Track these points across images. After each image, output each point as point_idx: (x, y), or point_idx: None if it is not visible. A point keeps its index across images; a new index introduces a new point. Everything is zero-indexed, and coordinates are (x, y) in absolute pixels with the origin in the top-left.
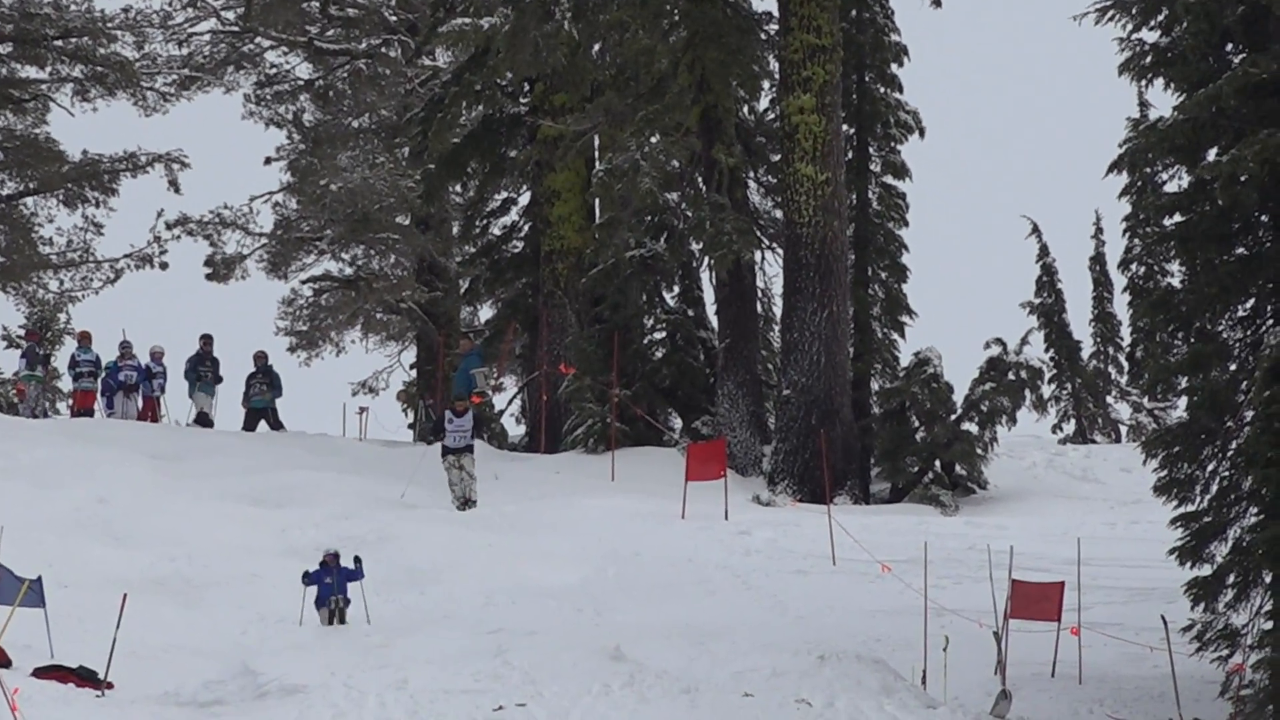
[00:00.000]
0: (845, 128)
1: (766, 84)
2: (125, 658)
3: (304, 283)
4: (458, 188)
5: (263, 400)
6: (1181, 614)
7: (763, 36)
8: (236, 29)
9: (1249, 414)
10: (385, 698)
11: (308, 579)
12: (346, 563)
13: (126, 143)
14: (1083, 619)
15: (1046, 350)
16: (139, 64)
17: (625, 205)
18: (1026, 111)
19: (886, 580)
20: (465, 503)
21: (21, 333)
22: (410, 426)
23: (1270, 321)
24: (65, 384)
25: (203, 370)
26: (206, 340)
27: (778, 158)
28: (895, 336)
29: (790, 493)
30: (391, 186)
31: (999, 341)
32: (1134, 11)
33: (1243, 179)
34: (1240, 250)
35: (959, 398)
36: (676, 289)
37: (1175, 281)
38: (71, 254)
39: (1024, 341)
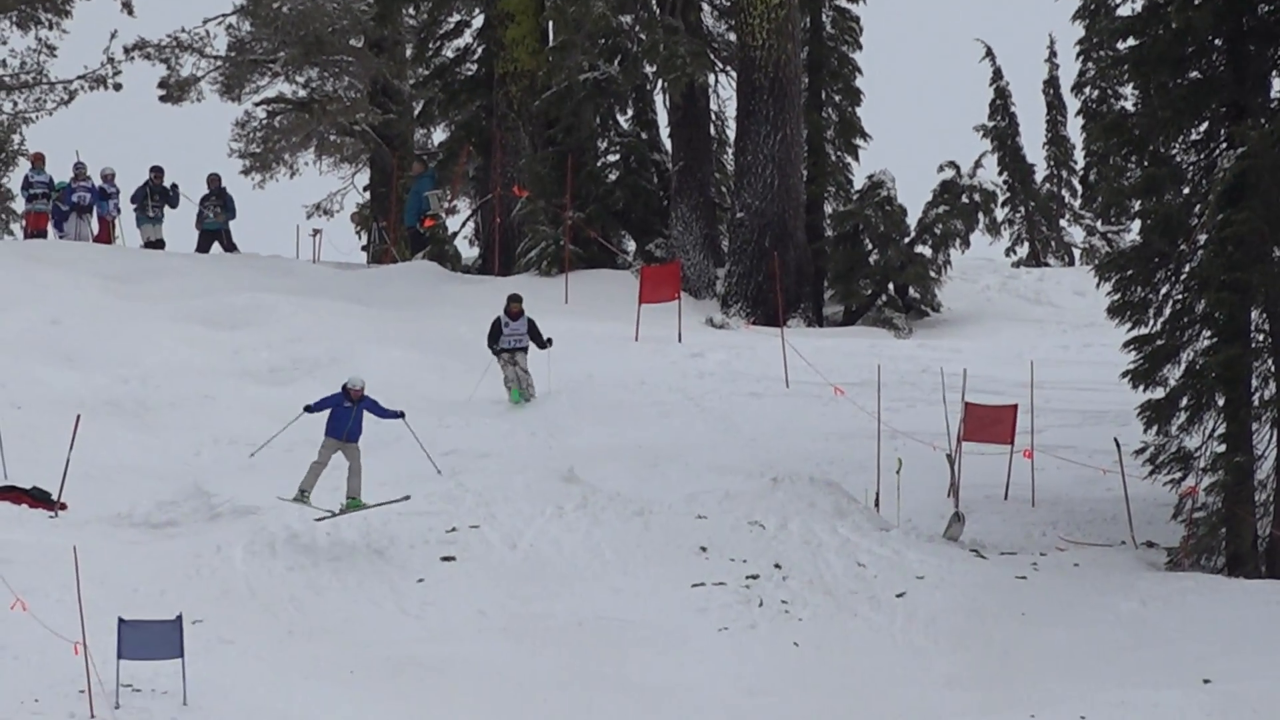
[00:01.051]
0: None
1: None
2: (78, 479)
3: (257, 105)
4: (411, 10)
5: (216, 223)
6: (1134, 437)
7: None
8: None
9: (1202, 237)
10: (339, 520)
11: (316, 406)
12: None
13: None
14: (1036, 442)
15: (1000, 173)
16: None
17: (579, 28)
18: None
19: (840, 403)
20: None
21: None
22: (364, 249)
23: (1224, 145)
24: (19, 206)
25: (151, 204)
26: (156, 172)
27: None
28: (849, 159)
29: (743, 315)
30: (344, 8)
31: (952, 165)
32: None
33: (1197, 2)
34: (1194, 74)
35: (912, 221)
36: (630, 112)
37: (1129, 105)
38: (25, 75)
39: (978, 164)
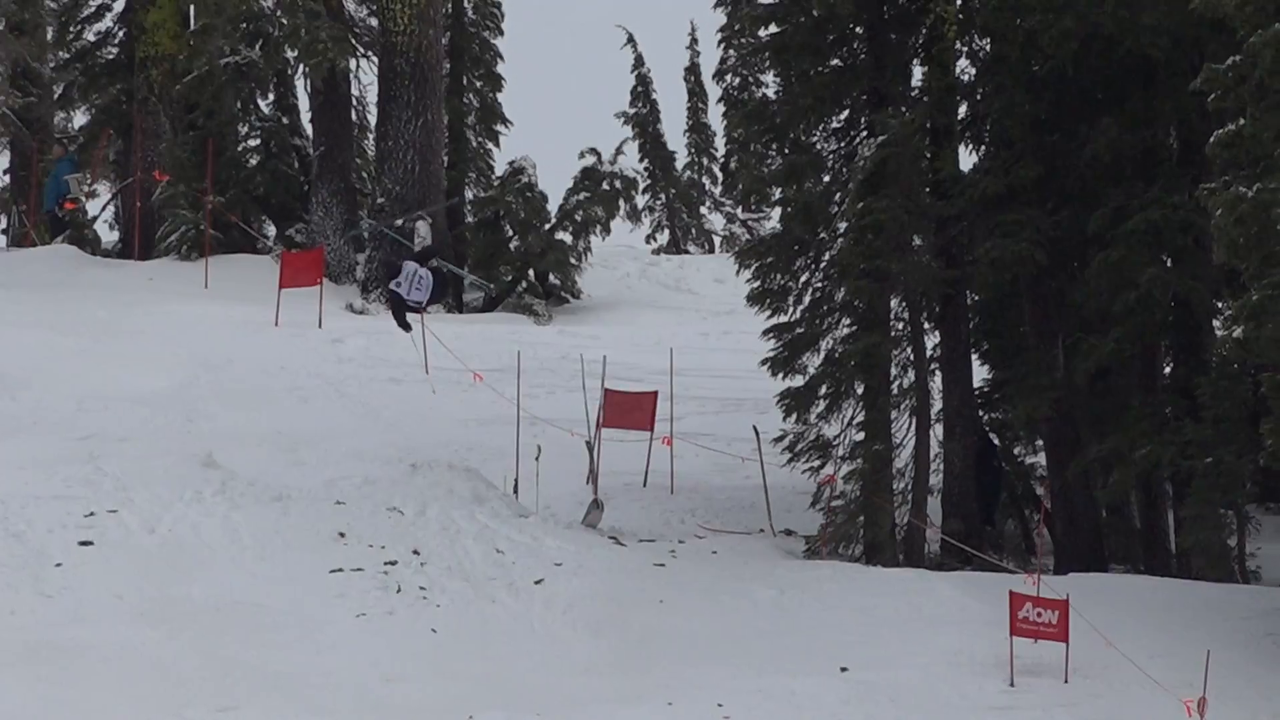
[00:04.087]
0: None
1: None
2: None
3: None
4: None
5: None
6: (773, 425)
7: None
8: None
9: (842, 225)
10: None
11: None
12: None
13: None
14: (675, 429)
15: (641, 160)
16: None
17: (220, 12)
18: None
19: (479, 389)
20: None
21: None
22: (3, 232)
23: (864, 133)
24: None
25: None
26: None
27: None
28: (490, 145)
29: (383, 301)
30: None
31: (593, 151)
32: None
33: None
34: (835, 61)
35: (553, 207)
36: (272, 97)
37: (770, 92)
38: None
39: (618, 151)
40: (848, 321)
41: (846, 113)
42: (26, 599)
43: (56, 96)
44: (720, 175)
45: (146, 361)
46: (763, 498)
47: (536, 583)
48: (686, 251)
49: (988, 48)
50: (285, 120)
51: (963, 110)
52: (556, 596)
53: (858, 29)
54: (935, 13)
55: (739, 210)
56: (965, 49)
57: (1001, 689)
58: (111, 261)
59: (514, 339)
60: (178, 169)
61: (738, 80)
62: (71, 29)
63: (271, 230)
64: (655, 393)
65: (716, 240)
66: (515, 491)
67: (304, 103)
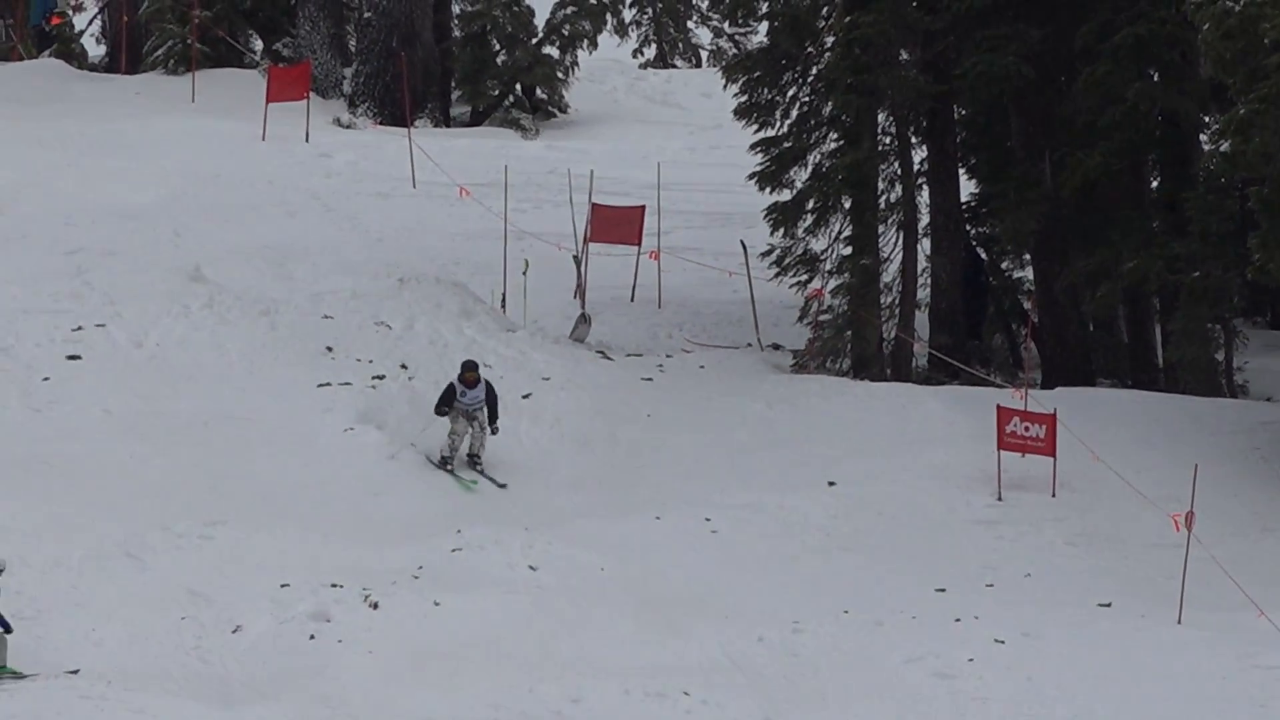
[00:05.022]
0: None
1: None
2: None
3: None
4: None
5: None
6: (761, 239)
7: None
8: None
9: (829, 39)
10: None
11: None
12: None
13: None
14: (662, 244)
15: None
16: None
17: None
18: None
19: (466, 203)
20: (473, 459)
21: None
22: None
23: None
24: None
25: None
26: None
27: None
28: None
29: (371, 115)
30: None
31: None
32: None
33: None
34: None
35: (540, 21)
36: None
37: None
38: None
39: None
40: (835, 136)
41: None
42: (15, 414)
43: None
44: None
45: (134, 176)
46: (750, 312)
47: (524, 397)
48: (674, 66)
49: None
50: None
51: None
52: (544, 411)
53: None
54: None
55: (726, 24)
56: None
57: (989, 503)
58: (98, 76)
59: (501, 153)
60: None
61: None
62: None
63: (259, 44)
64: (643, 207)
65: (704, 54)
66: (503, 306)
67: None
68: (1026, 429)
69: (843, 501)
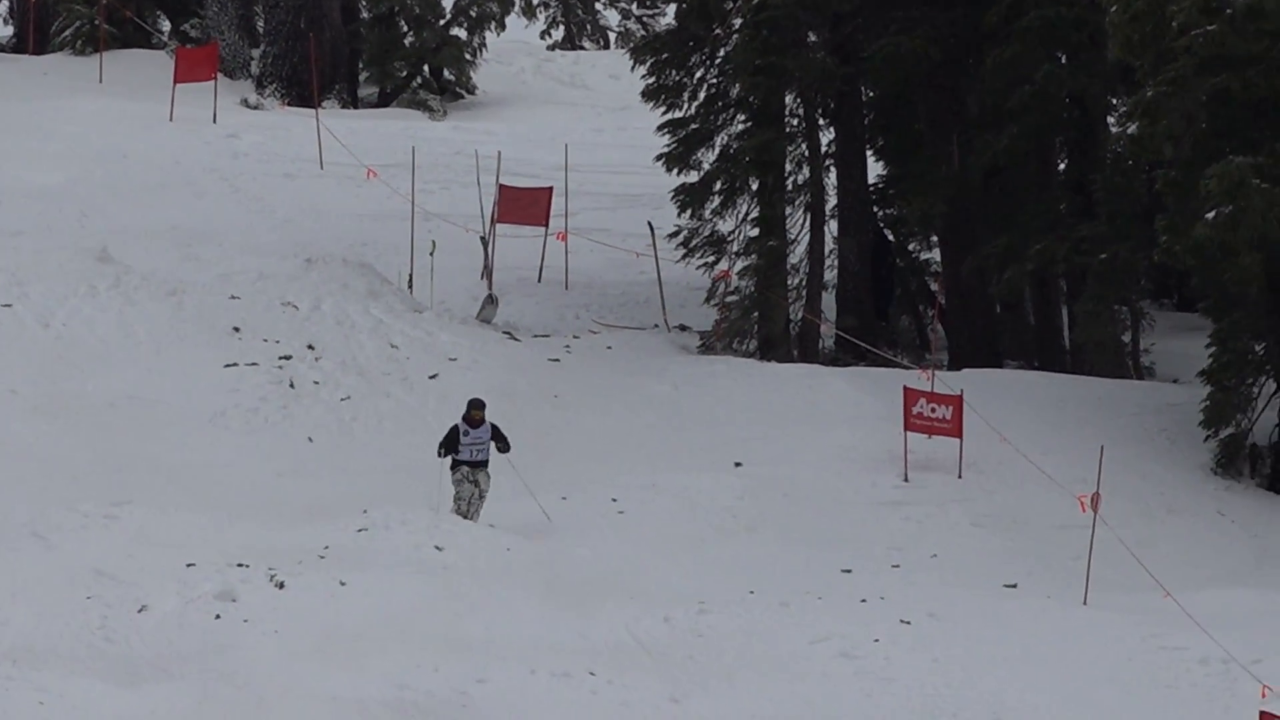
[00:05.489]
0: None
1: None
2: None
3: None
4: None
5: None
6: (668, 221)
7: None
8: None
9: (737, 21)
10: None
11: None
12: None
13: None
14: (570, 225)
15: None
16: None
17: None
18: None
19: (373, 185)
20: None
21: None
22: None
23: None
24: None
25: None
26: None
27: None
28: None
29: (278, 96)
30: None
31: None
32: None
33: None
34: None
35: (448, 3)
36: None
37: None
38: None
39: None
40: (743, 117)
41: None
42: None
43: None
44: None
45: (40, 157)
46: (657, 293)
47: (431, 378)
48: (581, 48)
49: None
50: None
51: None
52: (451, 391)
53: None
54: None
55: (634, 6)
56: None
57: (895, 484)
58: (5, 56)
59: (408, 134)
60: None
61: None
62: None
63: (166, 25)
64: (550, 188)
65: (612, 36)
66: (410, 287)
67: None
68: (933, 410)
69: (749, 482)
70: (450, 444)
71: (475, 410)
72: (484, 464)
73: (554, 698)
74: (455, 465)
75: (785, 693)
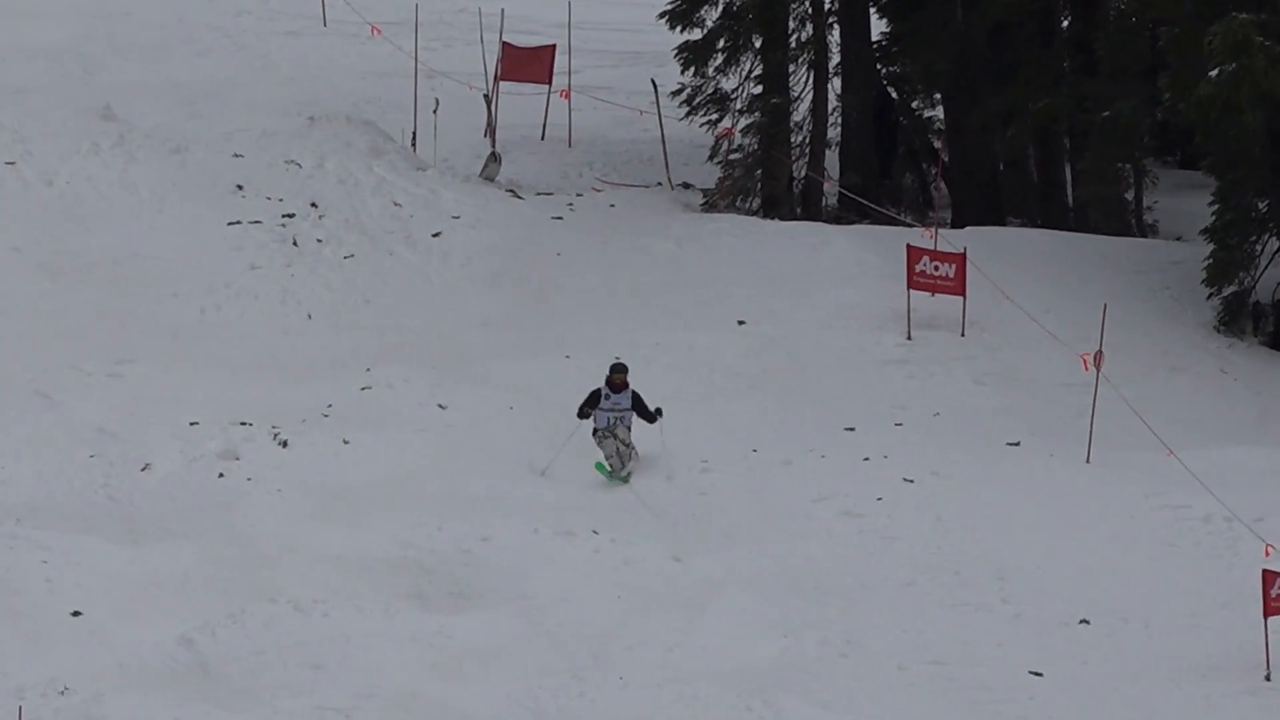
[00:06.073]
0: None
1: None
2: None
3: None
4: None
5: None
6: (671, 78)
7: None
8: None
9: None
10: None
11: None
12: None
13: None
14: (573, 82)
15: None
16: None
17: None
18: None
19: (377, 42)
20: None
21: None
22: None
23: None
24: None
25: None
26: None
27: None
28: None
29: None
30: None
31: None
32: None
33: None
34: None
35: None
36: None
37: None
38: None
39: None
40: None
41: None
42: None
43: None
44: None
45: (42, 14)
46: (660, 151)
47: (434, 235)
48: None
49: None
50: None
51: None
52: (454, 249)
53: None
54: None
55: None
56: None
57: (898, 342)
58: None
59: None
60: None
61: None
62: None
63: None
64: (553, 45)
65: None
66: (413, 144)
67: None
68: (936, 268)
69: (752, 341)
70: (591, 405)
71: (617, 374)
72: (625, 424)
73: (557, 556)
74: (595, 430)
75: (787, 551)
